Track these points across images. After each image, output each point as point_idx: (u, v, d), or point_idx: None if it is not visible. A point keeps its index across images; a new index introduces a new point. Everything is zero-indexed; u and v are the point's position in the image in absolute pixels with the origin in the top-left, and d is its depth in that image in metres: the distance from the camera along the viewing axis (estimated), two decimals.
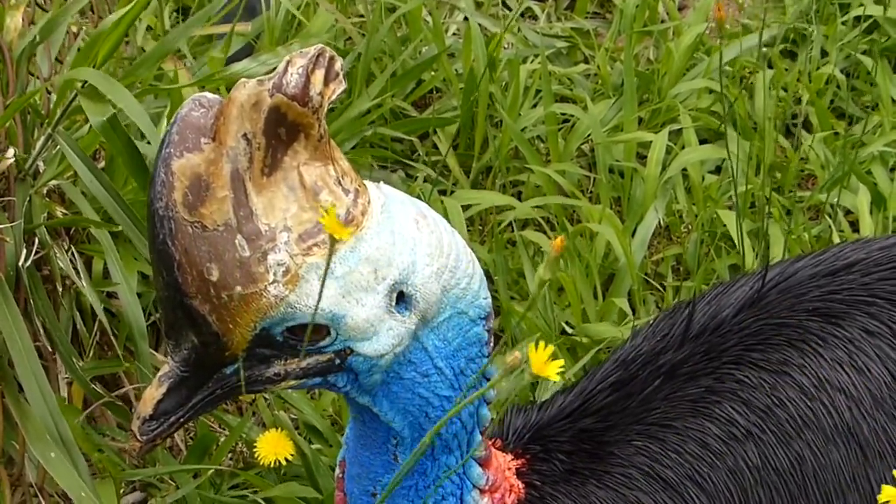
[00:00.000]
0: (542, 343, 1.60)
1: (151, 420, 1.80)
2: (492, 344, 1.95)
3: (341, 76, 1.73)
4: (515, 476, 2.08)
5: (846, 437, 2.00)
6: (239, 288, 1.70)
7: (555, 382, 3.28)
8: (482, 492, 2.02)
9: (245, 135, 1.69)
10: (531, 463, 2.10)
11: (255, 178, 1.71)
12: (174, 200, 1.69)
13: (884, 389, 2.01)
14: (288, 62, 1.70)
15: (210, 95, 1.73)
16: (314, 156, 1.74)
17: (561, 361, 1.61)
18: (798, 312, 2.07)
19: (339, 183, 1.75)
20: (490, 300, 1.92)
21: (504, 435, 2.14)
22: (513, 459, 2.10)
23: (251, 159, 1.70)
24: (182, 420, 1.82)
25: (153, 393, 1.79)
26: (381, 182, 1.86)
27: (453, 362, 1.89)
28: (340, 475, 2.08)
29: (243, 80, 1.70)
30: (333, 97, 1.72)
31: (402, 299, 1.81)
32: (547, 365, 1.59)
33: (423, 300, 1.81)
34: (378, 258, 1.76)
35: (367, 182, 1.81)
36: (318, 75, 1.70)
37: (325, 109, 1.72)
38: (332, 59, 1.72)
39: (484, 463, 2.02)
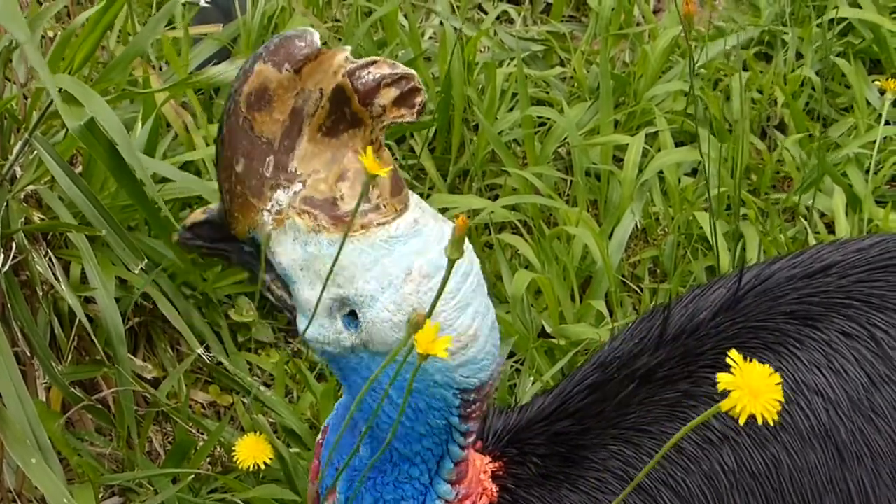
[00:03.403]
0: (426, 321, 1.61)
1: (186, 231, 1.96)
2: (481, 407, 1.95)
3: (417, 109, 1.81)
4: (491, 479, 2.09)
5: (823, 440, 1.99)
6: (248, 192, 1.84)
7: (533, 383, 3.30)
8: (448, 502, 2.04)
9: (321, 89, 1.80)
10: (507, 466, 2.10)
11: (312, 129, 1.82)
12: (242, 90, 1.82)
13: (861, 391, 2.01)
14: (374, 62, 1.79)
15: (316, 36, 1.82)
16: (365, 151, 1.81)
17: (449, 337, 1.65)
18: (775, 315, 2.07)
19: (367, 189, 1.80)
20: (476, 381, 1.89)
21: (484, 437, 2.14)
22: (490, 462, 2.11)
23: (315, 111, 1.80)
24: (204, 249, 1.97)
25: (197, 214, 1.95)
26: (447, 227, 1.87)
27: (404, 393, 1.87)
28: (321, 441, 2.10)
29: (346, 46, 1.82)
30: (398, 120, 1.80)
31: (353, 316, 1.84)
32: (434, 343, 1.60)
33: (370, 333, 1.84)
34: (345, 267, 1.81)
35: (421, 217, 1.84)
36: (391, 92, 1.79)
37: (385, 123, 1.81)
38: (413, 89, 1.80)
39: (455, 481, 2.03)
